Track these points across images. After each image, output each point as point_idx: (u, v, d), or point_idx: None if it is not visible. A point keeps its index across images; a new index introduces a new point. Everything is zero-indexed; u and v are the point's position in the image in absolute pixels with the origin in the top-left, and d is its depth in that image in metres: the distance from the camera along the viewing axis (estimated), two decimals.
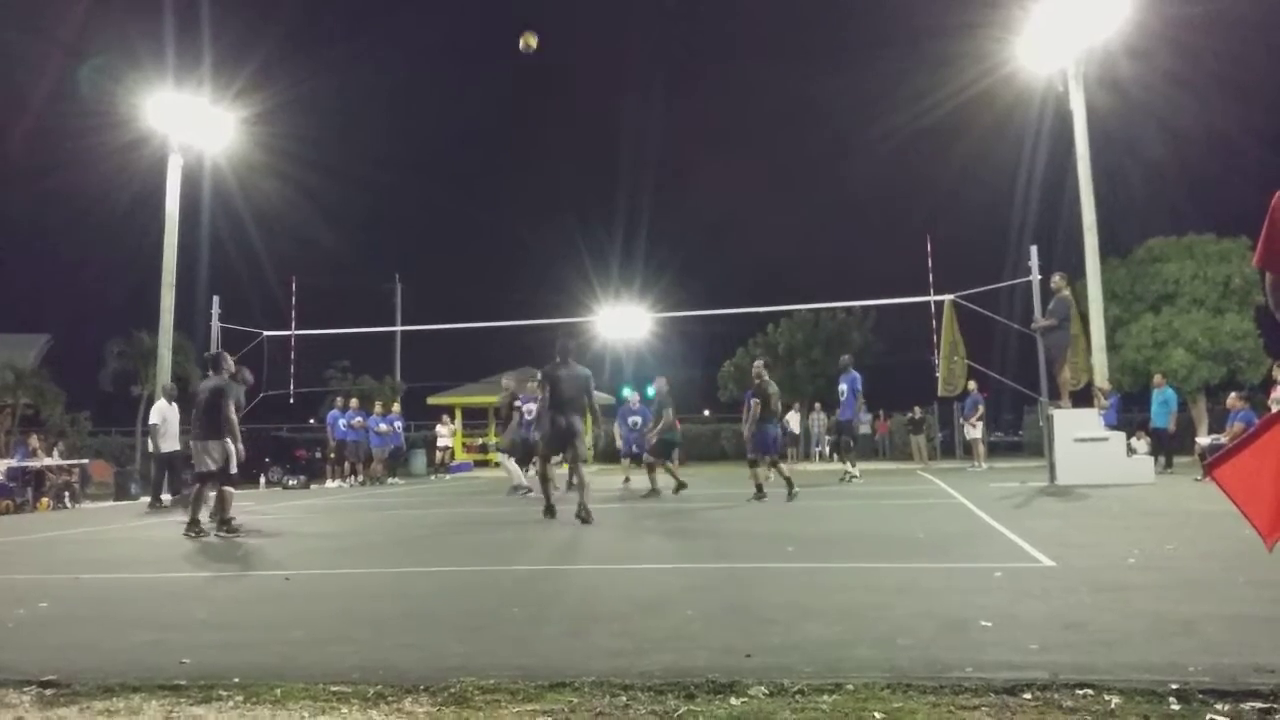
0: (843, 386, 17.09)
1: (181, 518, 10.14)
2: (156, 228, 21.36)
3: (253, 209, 33.03)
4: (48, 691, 3.57)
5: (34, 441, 18.53)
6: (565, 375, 10.12)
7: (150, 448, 15.88)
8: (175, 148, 21.12)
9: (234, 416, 9.64)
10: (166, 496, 15.17)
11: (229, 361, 10.10)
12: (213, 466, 9.53)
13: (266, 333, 18.95)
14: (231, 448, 9.53)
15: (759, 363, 13.24)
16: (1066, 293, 13.97)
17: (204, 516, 9.65)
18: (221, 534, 9.31)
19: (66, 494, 16.65)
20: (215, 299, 17.78)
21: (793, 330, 34.78)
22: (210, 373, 10.03)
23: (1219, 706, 2.89)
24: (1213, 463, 3.63)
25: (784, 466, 12.87)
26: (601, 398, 15.48)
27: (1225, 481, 3.55)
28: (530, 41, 12.03)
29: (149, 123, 20.91)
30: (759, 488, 12.15)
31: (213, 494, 9.67)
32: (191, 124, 21.09)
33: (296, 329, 21.16)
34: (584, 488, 9.91)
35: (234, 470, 9.66)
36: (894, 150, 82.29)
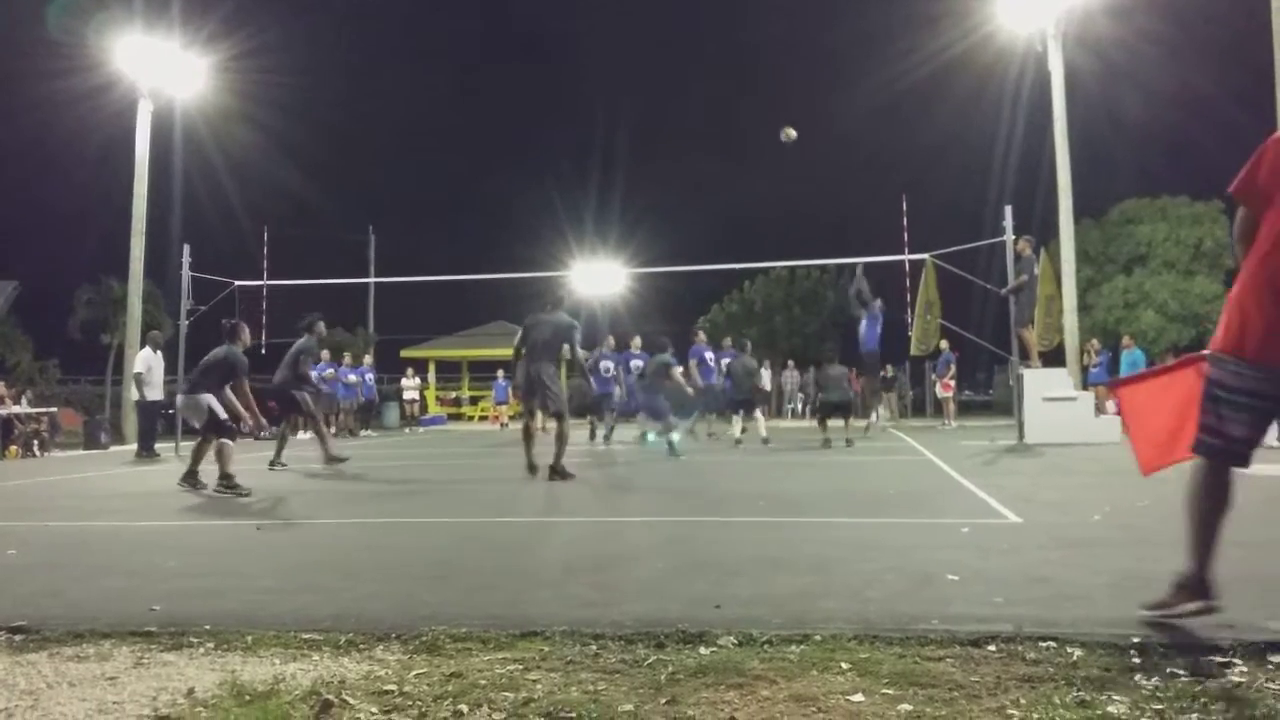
0: None
1: (161, 466, 10.03)
2: (126, 174, 21.06)
3: (224, 156, 32.54)
4: (16, 637, 3.56)
5: (1, 389, 18.33)
6: (539, 322, 9.62)
7: (135, 395, 15.74)
8: (145, 93, 20.75)
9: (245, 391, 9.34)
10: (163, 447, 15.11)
11: (246, 333, 9.77)
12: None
13: (238, 282, 18.75)
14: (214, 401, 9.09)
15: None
16: (1028, 252, 14.19)
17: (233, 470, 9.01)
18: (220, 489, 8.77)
19: (35, 442, 16.52)
20: (185, 247, 17.54)
21: (769, 288, 34.77)
22: (225, 341, 9.54)
23: (1179, 660, 2.94)
24: (1121, 380, 3.72)
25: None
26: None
27: (1124, 401, 3.64)
28: (790, 133, 12.45)
29: (118, 67, 20.51)
30: None
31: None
32: (162, 69, 20.70)
33: (269, 279, 20.97)
34: (560, 442, 9.47)
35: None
36: (873, 109, 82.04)
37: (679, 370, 14.02)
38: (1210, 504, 3.25)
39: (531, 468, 9.47)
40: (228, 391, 9.19)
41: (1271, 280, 3.10)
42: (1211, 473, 3.25)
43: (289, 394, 11.68)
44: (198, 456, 9.21)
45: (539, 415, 10.08)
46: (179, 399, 9.61)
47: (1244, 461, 3.21)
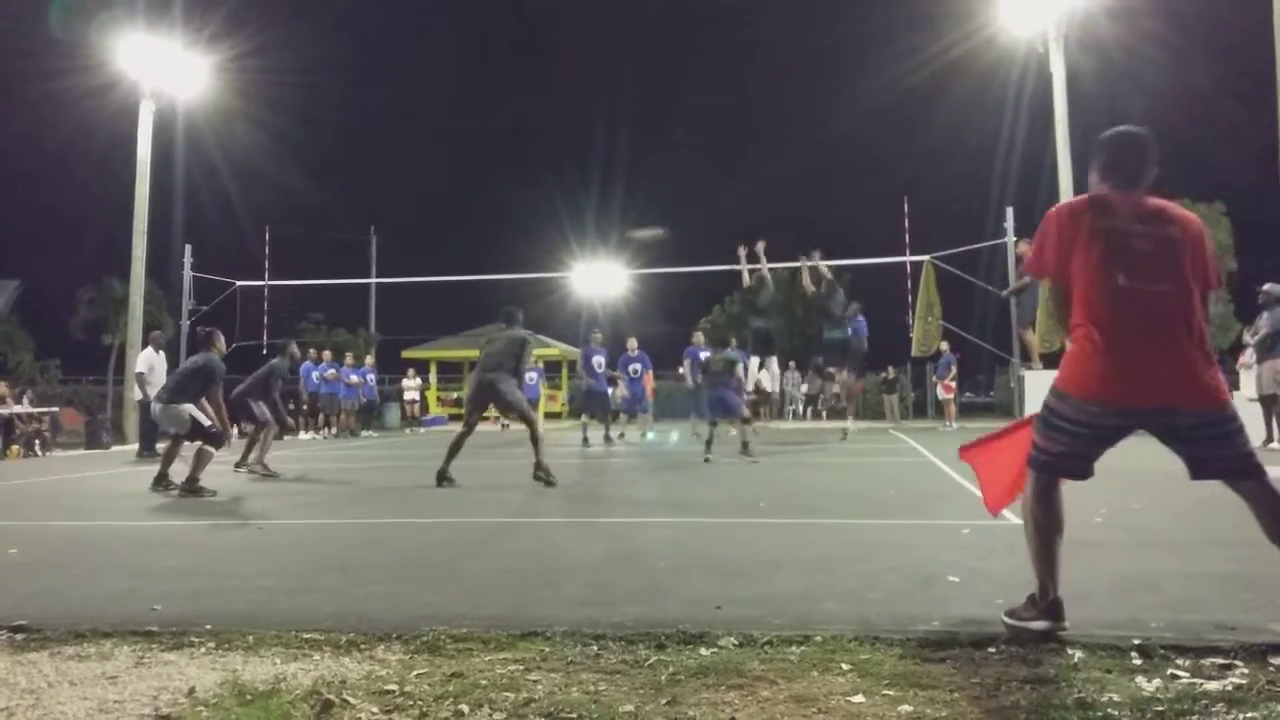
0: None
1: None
2: (128, 174, 21.10)
3: (226, 156, 32.55)
4: (18, 636, 3.56)
5: (2, 389, 18.33)
6: (494, 338, 9.61)
7: (137, 395, 15.73)
8: (147, 92, 20.79)
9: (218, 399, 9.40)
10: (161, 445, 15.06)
11: (221, 340, 9.83)
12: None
13: (240, 282, 18.80)
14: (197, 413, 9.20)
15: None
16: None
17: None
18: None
19: (37, 442, 16.53)
20: (188, 247, 17.59)
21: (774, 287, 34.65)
22: (201, 349, 9.65)
23: (1180, 662, 2.94)
24: (965, 446, 3.91)
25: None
26: (574, 351, 15.08)
27: (973, 460, 3.82)
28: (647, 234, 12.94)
29: (120, 66, 20.55)
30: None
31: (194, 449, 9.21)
32: (164, 68, 20.75)
33: (270, 279, 21.00)
34: (536, 444, 9.13)
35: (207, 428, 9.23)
36: (875, 110, 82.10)
37: (742, 368, 13.42)
38: (1042, 518, 3.34)
39: (442, 476, 9.14)
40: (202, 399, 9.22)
41: (1114, 330, 3.20)
42: (1042, 486, 3.35)
43: (244, 402, 11.57)
44: (196, 462, 9.09)
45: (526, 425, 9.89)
46: (155, 407, 9.62)
47: (1080, 475, 3.35)
